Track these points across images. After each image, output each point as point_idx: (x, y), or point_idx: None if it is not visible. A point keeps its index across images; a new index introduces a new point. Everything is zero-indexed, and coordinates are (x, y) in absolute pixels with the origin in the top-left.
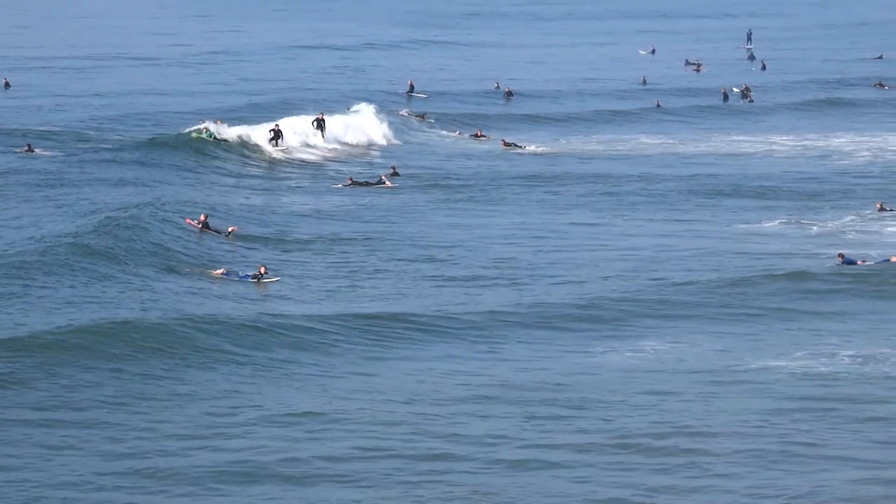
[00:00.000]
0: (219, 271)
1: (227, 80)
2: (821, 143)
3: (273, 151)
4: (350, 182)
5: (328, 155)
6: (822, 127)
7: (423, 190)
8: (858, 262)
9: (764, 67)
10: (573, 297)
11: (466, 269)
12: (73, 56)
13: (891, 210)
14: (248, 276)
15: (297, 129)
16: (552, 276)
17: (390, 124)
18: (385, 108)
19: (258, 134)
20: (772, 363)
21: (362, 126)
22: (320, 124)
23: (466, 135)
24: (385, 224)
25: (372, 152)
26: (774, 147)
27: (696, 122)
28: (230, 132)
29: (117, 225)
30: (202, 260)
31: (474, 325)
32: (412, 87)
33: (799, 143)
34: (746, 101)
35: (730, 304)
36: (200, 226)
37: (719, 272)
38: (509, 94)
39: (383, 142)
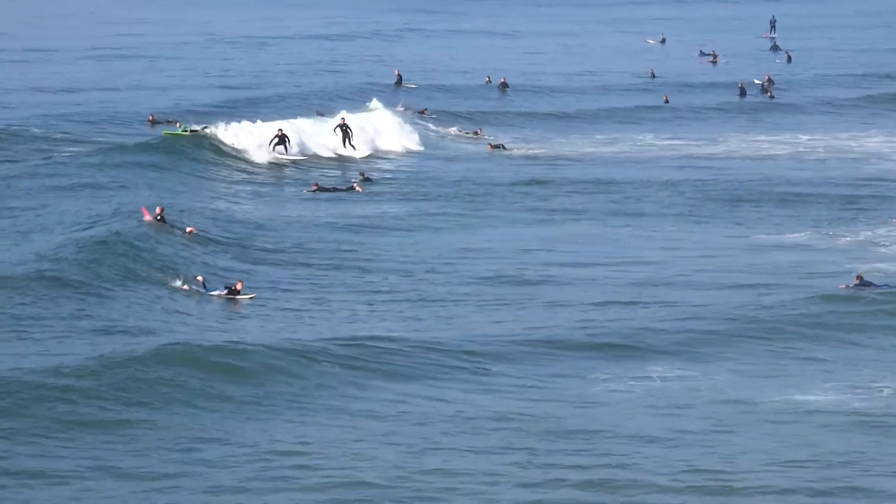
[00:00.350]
0: (191, 280)
1: (196, 74)
2: (854, 145)
3: (280, 158)
4: (315, 188)
5: (352, 164)
6: (855, 126)
7: (406, 197)
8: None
9: (789, 59)
10: (570, 318)
11: (450, 287)
12: (20, 48)
13: None
14: (220, 290)
15: (303, 132)
16: (546, 295)
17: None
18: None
19: (246, 137)
20: (798, 396)
21: (389, 129)
22: (345, 132)
23: (466, 132)
24: (361, 235)
25: (406, 160)
26: (800, 148)
27: (709, 120)
28: (226, 134)
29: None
30: (163, 266)
31: (462, 349)
32: (400, 77)
33: (829, 144)
34: (766, 96)
35: (748, 326)
36: (158, 219)
37: (736, 290)
38: (504, 85)
39: (419, 147)
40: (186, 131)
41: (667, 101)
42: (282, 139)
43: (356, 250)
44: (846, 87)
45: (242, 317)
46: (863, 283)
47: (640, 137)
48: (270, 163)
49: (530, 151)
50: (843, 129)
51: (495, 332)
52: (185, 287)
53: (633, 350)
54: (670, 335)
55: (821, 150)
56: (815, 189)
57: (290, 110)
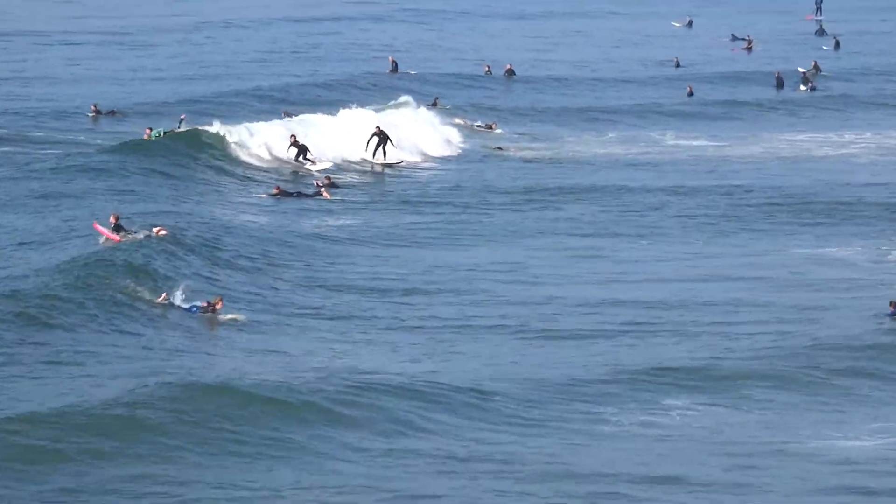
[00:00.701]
0: (161, 297)
1: (161, 64)
2: None
3: (309, 168)
4: (277, 192)
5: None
6: None
7: (390, 208)
8: None
9: (837, 45)
10: (576, 346)
11: (438, 314)
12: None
13: None
14: (198, 307)
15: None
16: (549, 323)
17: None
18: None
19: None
20: (838, 441)
21: (429, 129)
22: (383, 139)
23: (478, 126)
24: (341, 245)
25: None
26: (848, 150)
27: (741, 117)
28: (232, 134)
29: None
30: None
31: (454, 388)
32: (395, 65)
33: (881, 144)
34: (807, 88)
35: (781, 356)
36: (114, 230)
37: (767, 315)
38: (510, 72)
39: (459, 148)
40: (160, 135)
41: (691, 94)
42: (301, 149)
43: (339, 269)
44: None
45: (215, 344)
46: None
47: (660, 137)
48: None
49: (534, 153)
50: None
51: (490, 363)
52: (163, 301)
53: (647, 382)
54: (692, 365)
55: (871, 151)
56: (865, 197)
57: (269, 105)
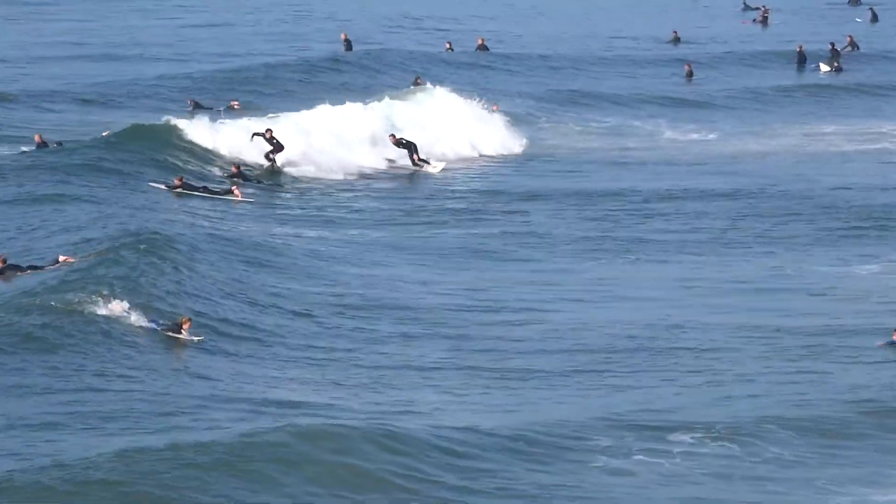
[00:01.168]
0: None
1: (91, 49)
2: None
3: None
4: (179, 184)
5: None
6: None
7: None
8: None
9: (875, 18)
10: (549, 395)
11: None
12: None
13: None
14: (163, 324)
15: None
16: (517, 351)
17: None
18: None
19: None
20: (875, 496)
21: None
22: (410, 149)
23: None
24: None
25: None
26: (885, 144)
27: (753, 104)
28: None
29: None
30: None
31: (433, 434)
32: (348, 42)
33: None
34: (832, 69)
35: (798, 392)
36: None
37: (779, 343)
38: (482, 47)
39: (518, 147)
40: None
41: (691, 75)
42: (275, 145)
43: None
44: None
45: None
46: None
47: (652, 129)
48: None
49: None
50: None
51: (457, 412)
52: (136, 321)
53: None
54: (688, 404)
55: None
56: None
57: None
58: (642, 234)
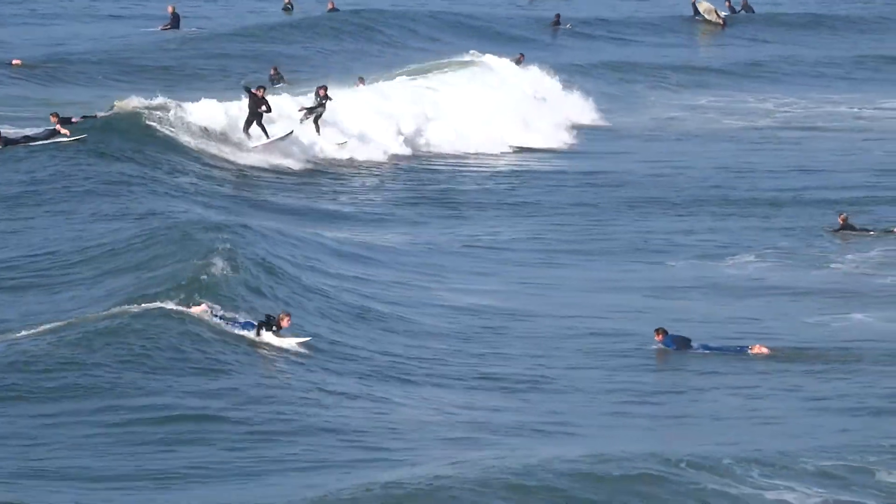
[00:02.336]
0: (200, 307)
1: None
2: None
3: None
4: None
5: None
6: None
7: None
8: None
9: None
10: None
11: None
12: None
13: (861, 230)
14: (253, 324)
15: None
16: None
17: None
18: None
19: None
20: None
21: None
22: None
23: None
24: None
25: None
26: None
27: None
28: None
29: None
30: None
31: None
32: (175, 17)
33: None
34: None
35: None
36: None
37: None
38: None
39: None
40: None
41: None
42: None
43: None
44: None
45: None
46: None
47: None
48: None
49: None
50: None
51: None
52: (205, 315)
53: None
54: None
55: None
56: None
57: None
58: (589, 236)
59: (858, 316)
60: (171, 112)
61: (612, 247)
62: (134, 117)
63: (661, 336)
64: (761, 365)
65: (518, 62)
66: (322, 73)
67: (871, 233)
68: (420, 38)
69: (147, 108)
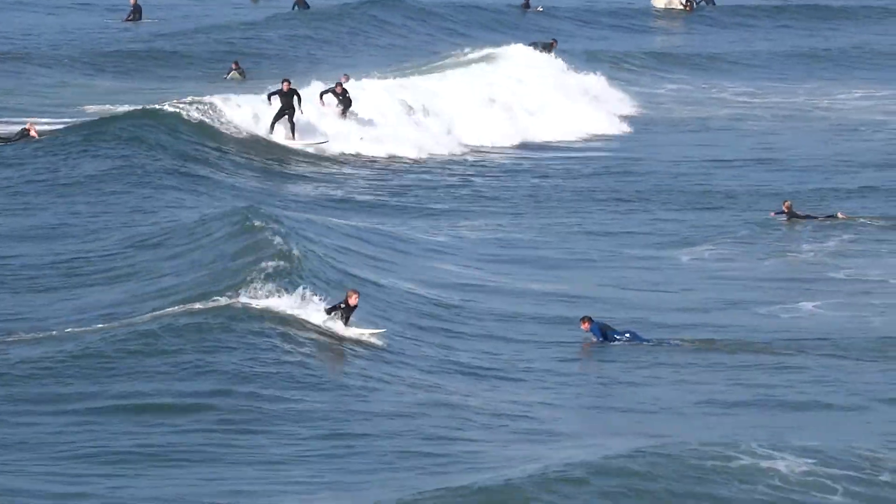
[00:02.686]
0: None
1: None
2: None
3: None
4: None
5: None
6: None
7: None
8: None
9: None
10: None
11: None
12: None
13: (806, 216)
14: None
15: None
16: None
17: None
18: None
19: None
20: None
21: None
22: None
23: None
24: None
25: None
26: None
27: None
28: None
29: None
30: None
31: None
32: (138, 8)
33: None
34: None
35: None
36: None
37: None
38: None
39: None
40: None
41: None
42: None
43: None
44: None
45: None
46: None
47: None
48: None
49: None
50: None
51: None
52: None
53: None
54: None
55: None
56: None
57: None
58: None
59: (808, 306)
60: (209, 108)
61: (568, 237)
62: (172, 117)
63: (587, 324)
64: (690, 356)
65: (550, 48)
66: (285, 65)
67: (816, 219)
68: (392, 33)
69: (184, 104)
